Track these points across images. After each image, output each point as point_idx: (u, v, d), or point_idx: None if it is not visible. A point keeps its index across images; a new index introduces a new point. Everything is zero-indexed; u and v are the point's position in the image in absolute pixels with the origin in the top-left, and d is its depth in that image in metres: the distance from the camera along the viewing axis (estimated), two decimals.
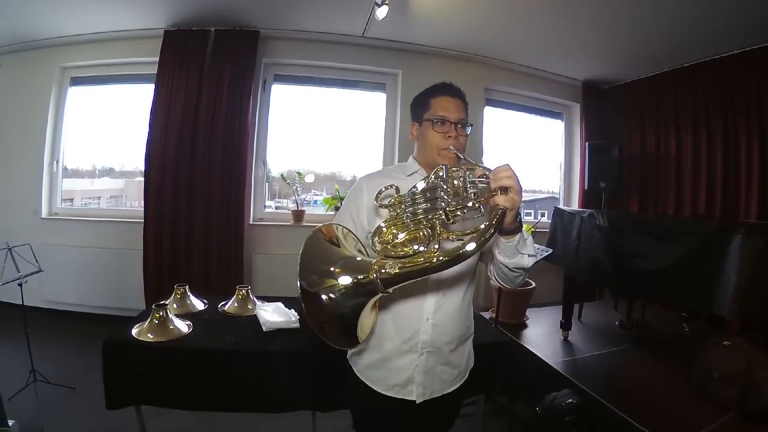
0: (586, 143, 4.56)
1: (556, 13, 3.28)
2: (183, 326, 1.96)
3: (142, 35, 3.82)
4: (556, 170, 5.18)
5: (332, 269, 0.93)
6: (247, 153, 3.82)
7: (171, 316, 1.96)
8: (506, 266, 1.12)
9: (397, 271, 0.89)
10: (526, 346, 3.11)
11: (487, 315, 3.59)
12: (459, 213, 0.92)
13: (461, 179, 0.97)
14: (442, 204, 0.93)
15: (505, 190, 0.93)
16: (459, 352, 1.32)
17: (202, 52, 3.77)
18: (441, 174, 0.98)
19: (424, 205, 0.96)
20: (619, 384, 2.61)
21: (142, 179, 3.80)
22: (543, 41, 3.90)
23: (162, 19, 3.67)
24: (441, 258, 0.86)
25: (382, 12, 3.16)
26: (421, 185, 1.00)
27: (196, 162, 3.73)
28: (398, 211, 1.00)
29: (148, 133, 3.71)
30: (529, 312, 3.68)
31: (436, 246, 0.90)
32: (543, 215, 4.62)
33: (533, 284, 3.62)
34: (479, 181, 0.97)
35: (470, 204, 0.93)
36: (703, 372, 2.42)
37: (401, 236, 0.97)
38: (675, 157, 4.19)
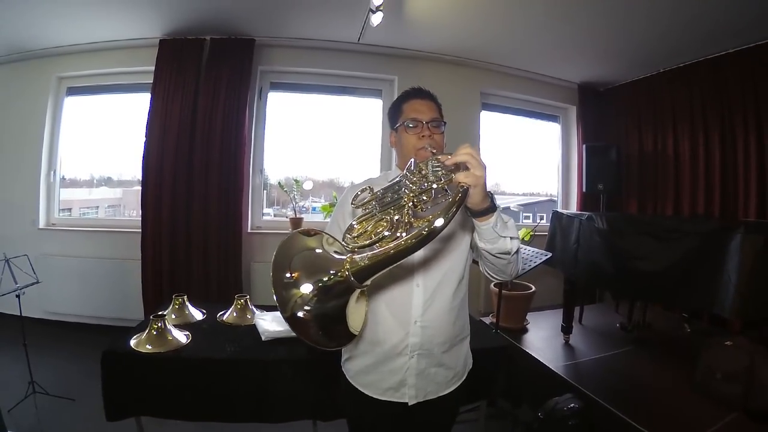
0: (583, 145, 4.57)
1: (551, 15, 3.30)
2: (182, 337, 1.94)
3: (137, 44, 3.83)
4: (553, 173, 5.17)
5: (292, 275, 0.86)
6: (244, 161, 3.82)
7: (169, 326, 1.94)
8: (490, 253, 1.10)
9: (368, 262, 0.85)
10: (528, 351, 3.09)
11: (487, 320, 3.57)
12: (425, 197, 0.94)
13: (428, 167, 1.00)
14: (406, 191, 0.95)
15: (465, 167, 0.93)
16: (453, 354, 1.30)
17: (198, 60, 3.78)
18: (411, 168, 1.01)
19: (392, 196, 0.98)
20: (622, 386, 2.59)
21: (140, 188, 3.79)
22: (538, 44, 3.91)
23: (157, 29, 3.68)
24: (411, 240, 0.83)
25: (377, 18, 3.17)
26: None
27: (193, 170, 3.73)
28: (369, 207, 1.02)
29: (145, 142, 3.72)
30: (529, 316, 3.67)
31: (404, 234, 0.88)
32: (542, 218, 4.61)
33: (533, 288, 3.61)
34: (444, 165, 0.98)
35: (435, 186, 0.94)
36: (706, 372, 2.42)
37: (370, 227, 0.96)
38: (673, 158, 4.19)
